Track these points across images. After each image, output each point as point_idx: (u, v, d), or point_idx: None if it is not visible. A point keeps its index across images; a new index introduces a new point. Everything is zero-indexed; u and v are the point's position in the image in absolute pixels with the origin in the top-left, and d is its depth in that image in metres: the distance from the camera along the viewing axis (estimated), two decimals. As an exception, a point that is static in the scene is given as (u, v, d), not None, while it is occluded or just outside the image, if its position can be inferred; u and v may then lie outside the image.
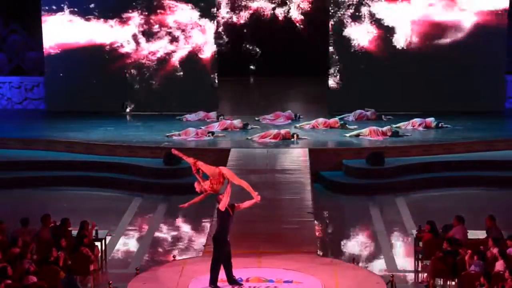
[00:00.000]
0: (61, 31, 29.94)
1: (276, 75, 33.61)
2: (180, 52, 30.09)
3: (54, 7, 29.80)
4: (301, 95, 33.24)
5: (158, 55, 30.13)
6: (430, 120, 27.52)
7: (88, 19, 29.85)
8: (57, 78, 30.30)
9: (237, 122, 27.61)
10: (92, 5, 29.82)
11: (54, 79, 30.35)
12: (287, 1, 34.01)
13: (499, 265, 15.24)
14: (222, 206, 14.84)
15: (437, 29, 29.52)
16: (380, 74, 29.63)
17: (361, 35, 29.60)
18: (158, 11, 29.93)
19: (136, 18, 29.90)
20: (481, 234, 17.49)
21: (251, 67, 34.91)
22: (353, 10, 29.42)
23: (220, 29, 32.72)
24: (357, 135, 26.37)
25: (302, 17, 33.82)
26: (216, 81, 30.13)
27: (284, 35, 34.08)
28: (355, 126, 27.36)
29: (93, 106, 29.91)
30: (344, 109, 28.84)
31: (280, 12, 33.83)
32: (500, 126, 28.12)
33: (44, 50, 30.24)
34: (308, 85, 33.42)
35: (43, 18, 29.92)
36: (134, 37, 29.96)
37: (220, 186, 15.16)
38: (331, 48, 29.73)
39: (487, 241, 16.35)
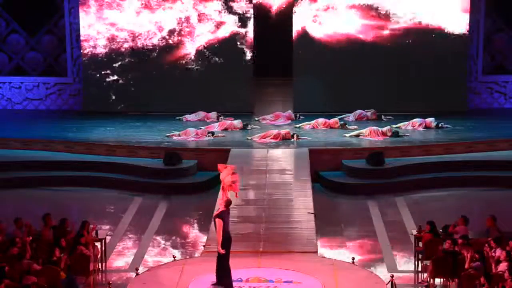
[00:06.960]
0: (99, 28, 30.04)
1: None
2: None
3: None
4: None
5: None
6: (430, 120, 27.53)
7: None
8: (94, 78, 30.21)
9: (237, 122, 27.61)
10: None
11: (92, 79, 30.27)
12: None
13: (502, 266, 15.23)
14: (223, 206, 14.91)
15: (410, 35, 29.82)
16: (348, 74, 29.76)
17: (330, 35, 29.60)
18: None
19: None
20: (481, 234, 17.50)
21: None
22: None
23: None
24: (357, 135, 26.38)
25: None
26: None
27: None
28: (355, 126, 27.37)
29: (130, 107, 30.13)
30: (310, 110, 28.93)
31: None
32: (500, 126, 28.14)
33: (81, 50, 30.16)
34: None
35: (80, 12, 29.80)
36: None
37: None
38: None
39: (488, 242, 16.37)
